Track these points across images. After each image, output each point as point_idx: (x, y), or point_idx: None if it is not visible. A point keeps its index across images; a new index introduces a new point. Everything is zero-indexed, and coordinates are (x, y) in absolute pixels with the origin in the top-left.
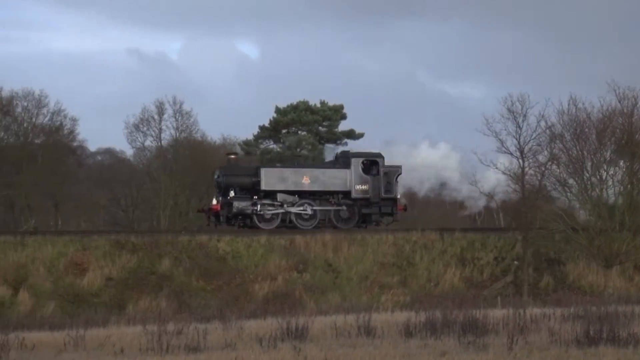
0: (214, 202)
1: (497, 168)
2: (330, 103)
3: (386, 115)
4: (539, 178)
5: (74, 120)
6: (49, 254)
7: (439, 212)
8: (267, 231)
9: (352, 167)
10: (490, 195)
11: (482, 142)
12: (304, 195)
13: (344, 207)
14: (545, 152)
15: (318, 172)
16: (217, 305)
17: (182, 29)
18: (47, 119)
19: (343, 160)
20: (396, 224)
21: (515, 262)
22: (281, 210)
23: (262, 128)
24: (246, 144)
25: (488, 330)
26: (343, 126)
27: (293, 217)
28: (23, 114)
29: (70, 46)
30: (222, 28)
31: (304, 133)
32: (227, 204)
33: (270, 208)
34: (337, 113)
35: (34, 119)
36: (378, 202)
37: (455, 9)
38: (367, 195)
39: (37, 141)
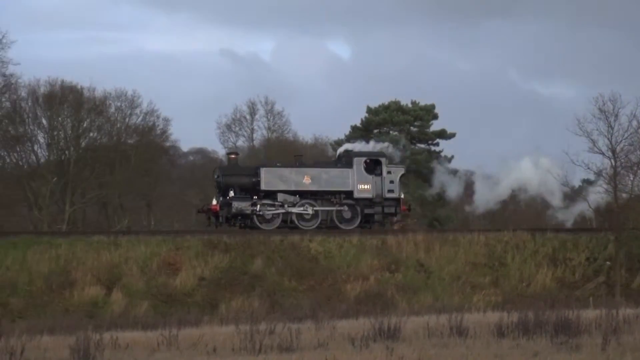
0: (214, 202)
1: (589, 168)
2: (422, 103)
3: (477, 115)
4: (632, 178)
5: (166, 120)
6: (142, 253)
7: (530, 211)
8: (358, 232)
9: (355, 166)
10: (583, 197)
11: (573, 142)
12: (305, 195)
13: (346, 208)
14: (638, 152)
15: (319, 171)
16: (310, 305)
17: (274, 30)
18: (140, 119)
19: (345, 160)
20: (487, 224)
21: (608, 263)
22: (282, 211)
23: (353, 128)
24: (337, 143)
25: (580, 331)
26: (435, 126)
27: (294, 218)
28: (116, 114)
29: (164, 47)
30: (313, 28)
31: (395, 133)
32: (226, 204)
33: (271, 208)
34: (429, 113)
35: (127, 119)
36: (381, 202)
37: (546, 8)
38: (369, 195)
39: (130, 141)
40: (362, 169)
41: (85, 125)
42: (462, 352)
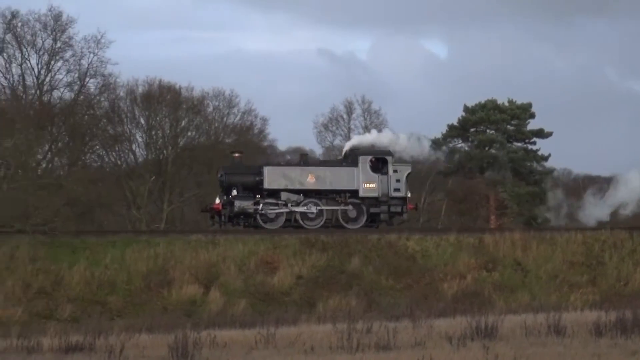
0: (217, 201)
1: None
2: (518, 101)
3: (573, 114)
4: None
5: (264, 120)
6: (239, 252)
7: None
8: (456, 230)
9: (360, 165)
10: None
11: None
12: (309, 194)
13: (351, 207)
14: None
15: (324, 170)
16: (407, 303)
17: (371, 29)
18: (237, 118)
19: (351, 159)
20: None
21: None
22: (285, 210)
23: (450, 127)
24: (434, 142)
25: None
26: (532, 125)
27: (298, 217)
28: (214, 114)
29: (261, 46)
30: (409, 27)
31: (492, 132)
32: (228, 203)
33: (273, 207)
34: (525, 111)
35: (224, 119)
36: (387, 201)
37: None
38: (375, 194)
39: (227, 140)
40: (368, 167)
41: (183, 124)
42: (560, 351)
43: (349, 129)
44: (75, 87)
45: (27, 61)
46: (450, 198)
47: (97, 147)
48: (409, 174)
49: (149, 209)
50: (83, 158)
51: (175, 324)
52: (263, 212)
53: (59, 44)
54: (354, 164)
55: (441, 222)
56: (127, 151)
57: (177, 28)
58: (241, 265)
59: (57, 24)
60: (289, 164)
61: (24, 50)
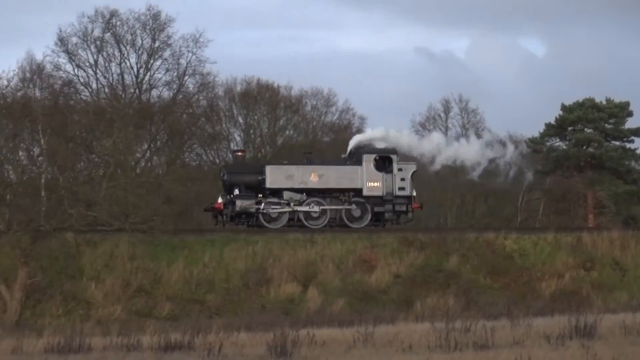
0: (219, 200)
1: None
2: (616, 100)
3: None
4: None
5: (361, 118)
6: (337, 251)
7: None
8: (554, 229)
9: (364, 163)
10: None
11: None
12: (312, 193)
13: (354, 206)
14: None
15: (327, 169)
16: (504, 302)
17: (469, 27)
18: (335, 117)
19: (355, 157)
20: None
21: None
22: (287, 209)
23: (548, 125)
24: (532, 141)
25: None
26: (629, 123)
27: (301, 216)
28: (312, 113)
29: (358, 45)
30: (507, 26)
31: (589, 131)
32: (230, 203)
33: (275, 207)
34: (623, 110)
35: (322, 118)
36: (392, 200)
37: None
38: (379, 192)
39: (325, 139)
40: (372, 166)
41: (281, 123)
42: None
43: (446, 128)
44: (174, 86)
45: (126, 60)
46: (548, 197)
47: (196, 145)
48: (414, 172)
49: None
50: (181, 157)
51: (273, 322)
52: (265, 211)
53: (157, 43)
54: (358, 162)
55: (539, 221)
56: (225, 150)
57: (274, 27)
58: (339, 264)
59: (155, 23)
60: (292, 162)
61: (123, 49)
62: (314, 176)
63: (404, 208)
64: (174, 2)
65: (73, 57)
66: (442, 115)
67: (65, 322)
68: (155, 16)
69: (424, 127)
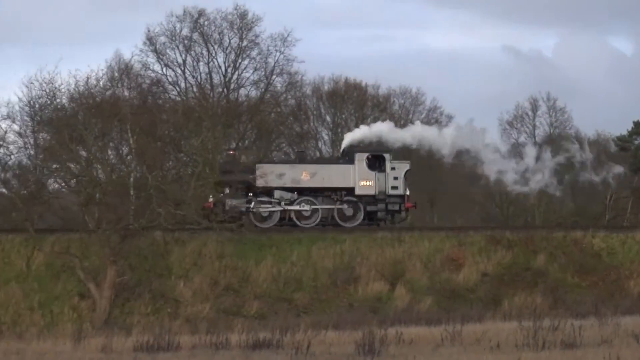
0: (210, 199)
1: None
2: None
3: None
4: None
5: (449, 117)
6: (425, 249)
7: None
8: None
9: (356, 162)
10: None
11: None
12: (303, 192)
13: (346, 205)
14: None
15: (318, 167)
16: (592, 301)
17: (557, 26)
18: (423, 116)
19: (348, 156)
20: None
21: None
22: (278, 209)
23: (636, 123)
24: (620, 139)
25: None
26: None
27: (293, 215)
28: (400, 111)
29: (446, 44)
30: (595, 25)
31: None
32: (220, 202)
33: (266, 206)
34: None
35: (410, 116)
36: (384, 199)
37: None
38: (372, 192)
39: None
40: (365, 164)
41: (368, 122)
42: None
43: (534, 126)
44: (262, 85)
45: (214, 59)
46: (636, 195)
47: (284, 144)
48: (407, 171)
49: None
50: (270, 155)
51: (361, 321)
52: (255, 210)
53: (245, 42)
54: (350, 161)
55: (627, 220)
56: (313, 148)
57: (363, 26)
58: (427, 262)
59: (243, 23)
60: (283, 161)
61: (211, 48)
62: (305, 175)
63: (397, 207)
64: (261, 1)
65: (161, 57)
66: (530, 113)
67: (153, 321)
68: (243, 15)
69: (511, 125)
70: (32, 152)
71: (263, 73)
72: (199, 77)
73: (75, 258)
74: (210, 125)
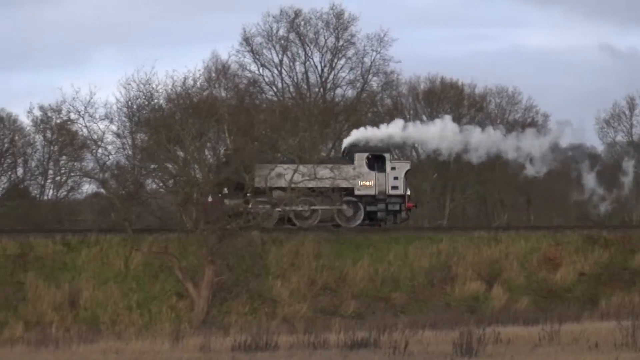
0: (209, 199)
1: None
2: None
3: None
4: None
5: (545, 116)
6: (522, 249)
7: None
8: None
9: (356, 162)
10: None
11: None
12: (302, 192)
13: (345, 206)
14: None
15: (317, 167)
16: None
17: None
18: (519, 115)
19: (348, 156)
20: None
21: None
22: (277, 209)
23: None
24: None
25: None
26: None
27: (292, 216)
28: (496, 110)
29: (541, 43)
30: None
31: None
32: (218, 202)
33: (264, 206)
34: None
35: (506, 115)
36: (385, 199)
37: None
38: (372, 192)
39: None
40: (364, 164)
41: (465, 121)
42: None
43: (631, 125)
44: (358, 85)
45: (311, 59)
46: None
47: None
48: (407, 171)
49: (432, 205)
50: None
51: (458, 320)
52: (253, 210)
53: (341, 42)
54: (350, 161)
55: None
56: (410, 149)
57: (457, 25)
58: (523, 262)
59: (339, 22)
60: (282, 161)
61: (307, 48)
62: (303, 175)
63: (397, 207)
64: (357, 1)
65: (258, 57)
66: (627, 112)
67: (251, 320)
68: (339, 15)
69: (608, 124)
70: (130, 152)
71: (359, 72)
72: (295, 77)
73: (173, 258)
74: (307, 125)
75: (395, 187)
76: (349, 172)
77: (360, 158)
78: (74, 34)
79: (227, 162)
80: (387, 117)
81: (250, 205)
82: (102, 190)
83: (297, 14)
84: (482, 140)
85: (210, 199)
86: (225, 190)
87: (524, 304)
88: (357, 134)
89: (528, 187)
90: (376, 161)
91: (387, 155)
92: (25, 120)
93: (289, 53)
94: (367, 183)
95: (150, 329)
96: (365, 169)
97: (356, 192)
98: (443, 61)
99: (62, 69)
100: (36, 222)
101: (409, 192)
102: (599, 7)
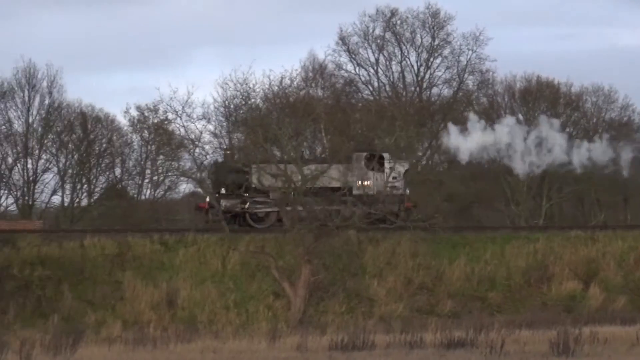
0: (207, 199)
1: None
2: None
3: None
4: None
5: None
6: (619, 248)
7: None
8: None
9: (354, 162)
10: None
11: None
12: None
13: (343, 206)
14: None
15: (315, 167)
16: None
17: None
18: (615, 114)
19: (346, 156)
20: None
21: None
22: (275, 209)
23: None
24: None
25: None
26: None
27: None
28: (592, 109)
29: (637, 41)
30: None
31: None
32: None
33: (261, 206)
34: None
35: (603, 114)
36: (383, 200)
37: None
38: (370, 192)
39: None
40: (363, 164)
41: (561, 120)
42: None
43: None
44: (454, 84)
45: (407, 59)
46: None
47: None
48: (406, 171)
49: (528, 204)
50: None
51: (554, 320)
52: (250, 211)
53: (437, 41)
54: (348, 161)
55: None
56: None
57: (552, 24)
58: (620, 261)
59: (435, 21)
60: (279, 161)
61: (403, 47)
62: (302, 175)
63: (396, 207)
64: (453, 0)
65: (354, 56)
66: None
67: (348, 320)
68: (435, 14)
69: None
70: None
71: (455, 71)
72: (391, 77)
73: (270, 257)
74: (404, 125)
75: (394, 187)
76: (347, 172)
77: (359, 158)
78: (171, 35)
79: (225, 163)
80: (484, 116)
81: (247, 206)
82: (199, 189)
83: (394, 13)
84: (589, 153)
85: (207, 199)
86: (223, 190)
87: (621, 304)
88: None
89: (625, 186)
90: (375, 161)
91: (385, 155)
92: (123, 120)
93: (385, 52)
94: (365, 183)
95: (247, 328)
96: (364, 169)
97: (354, 192)
98: (538, 60)
99: (159, 69)
100: (134, 222)
101: (407, 192)
102: None
